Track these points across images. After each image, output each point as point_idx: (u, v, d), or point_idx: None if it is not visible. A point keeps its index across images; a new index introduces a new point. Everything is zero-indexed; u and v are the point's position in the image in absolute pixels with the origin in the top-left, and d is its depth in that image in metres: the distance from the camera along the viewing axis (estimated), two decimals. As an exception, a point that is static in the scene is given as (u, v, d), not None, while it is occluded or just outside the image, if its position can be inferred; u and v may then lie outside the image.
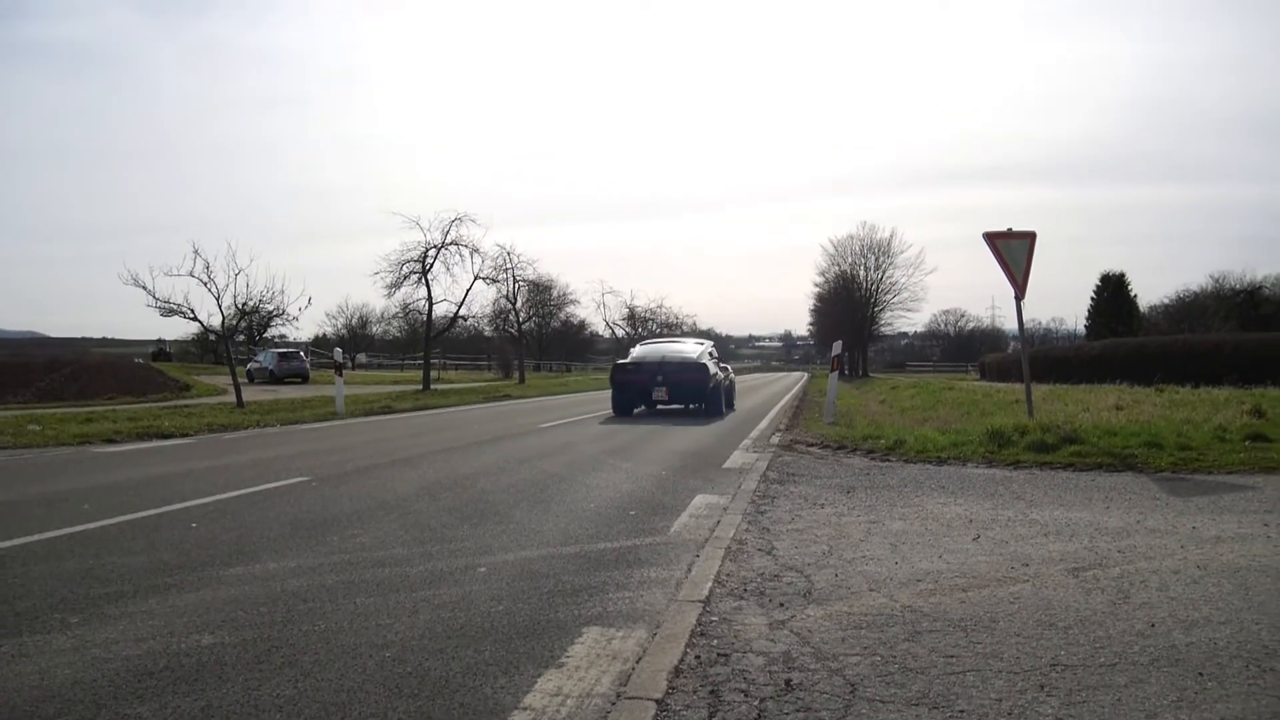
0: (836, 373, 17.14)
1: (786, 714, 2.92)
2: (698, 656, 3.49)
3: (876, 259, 65.78)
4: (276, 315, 24.08)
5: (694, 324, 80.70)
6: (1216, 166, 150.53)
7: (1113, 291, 58.05)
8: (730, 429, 15.26)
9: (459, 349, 71.05)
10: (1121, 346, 34.35)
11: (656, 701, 3.03)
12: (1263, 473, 8.04)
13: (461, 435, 14.23)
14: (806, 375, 65.82)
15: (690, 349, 19.81)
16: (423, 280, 33.68)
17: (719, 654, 3.52)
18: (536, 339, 67.94)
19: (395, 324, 70.19)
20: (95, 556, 5.32)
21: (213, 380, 34.49)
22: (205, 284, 20.35)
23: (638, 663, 3.43)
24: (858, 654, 3.46)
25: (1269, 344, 27.20)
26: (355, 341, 74.60)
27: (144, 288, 19.69)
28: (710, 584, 4.56)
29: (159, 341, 59.47)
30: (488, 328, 61.10)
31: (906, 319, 71.20)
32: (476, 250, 34.47)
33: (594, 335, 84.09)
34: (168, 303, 20.15)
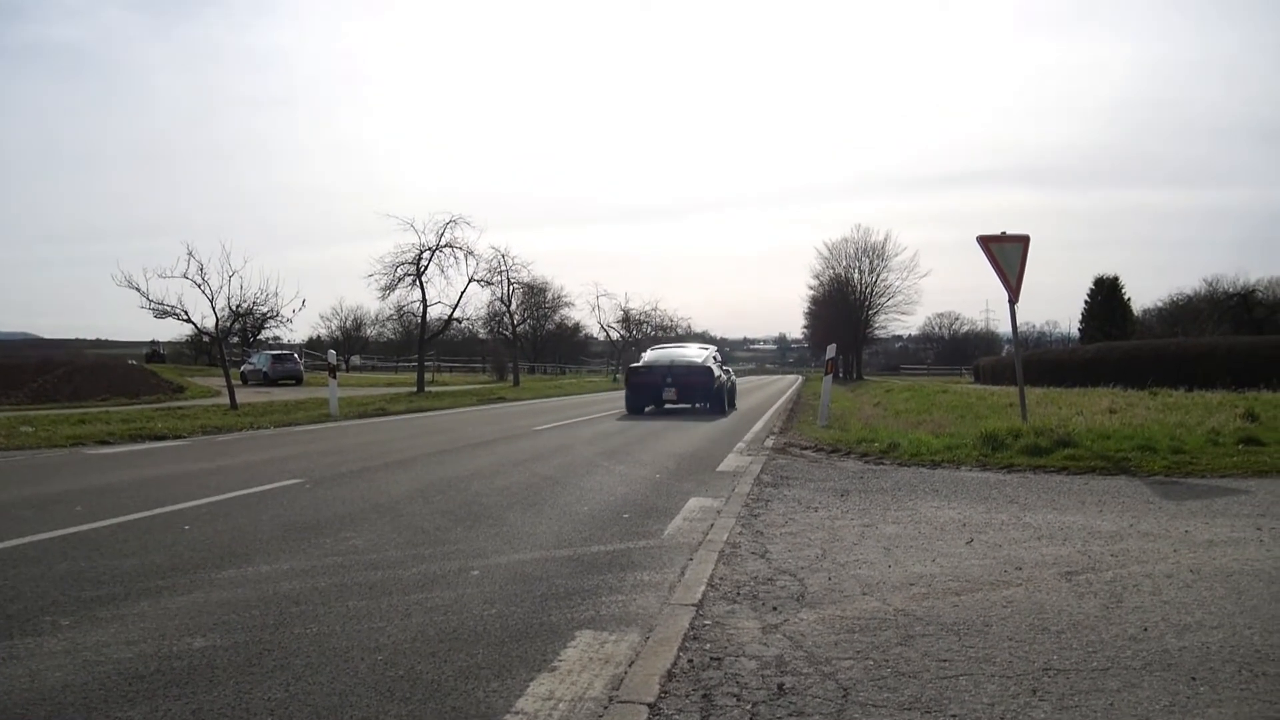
0: (831, 375, 17.21)
1: (779, 718, 2.92)
2: (690, 660, 3.48)
3: (871, 262, 65.96)
4: (271, 317, 24.30)
5: (689, 327, 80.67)
6: (1210, 170, 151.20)
7: (1106, 295, 58.18)
8: (725, 431, 15.26)
9: (453, 351, 70.98)
10: (1115, 350, 34.43)
11: (649, 705, 3.03)
12: (1255, 476, 8.06)
13: (455, 438, 14.21)
14: (801, 378, 65.90)
15: (696, 354, 21.62)
16: (417, 282, 33.71)
17: (712, 658, 3.51)
18: (531, 342, 68.01)
19: (389, 326, 70.28)
20: (87, 559, 5.30)
21: (206, 382, 34.40)
22: (199, 286, 20.39)
23: (630, 666, 3.42)
24: (850, 658, 3.46)
25: (1262, 347, 27.31)
26: (349, 344, 74.50)
27: (138, 289, 19.73)
28: (703, 587, 4.55)
29: (153, 343, 59.33)
30: (482, 330, 61.05)
31: (901, 322, 71.48)
32: (471, 252, 34.58)
33: (588, 338, 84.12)
34: (161, 304, 20.19)
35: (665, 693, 3.14)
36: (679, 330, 76.14)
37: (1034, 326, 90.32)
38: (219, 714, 3.00)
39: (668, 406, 20.22)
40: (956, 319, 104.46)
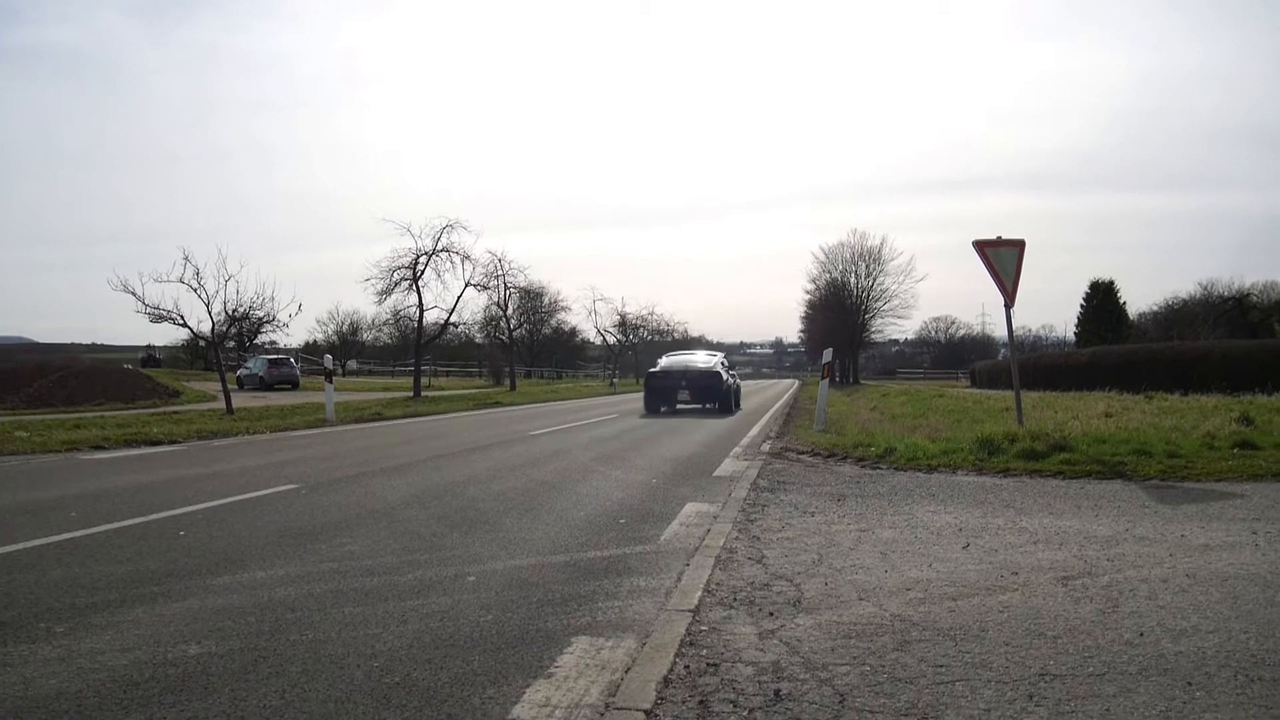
0: (827, 380, 17.24)
1: (776, 724, 2.91)
2: (687, 666, 3.48)
3: (867, 266, 65.88)
4: (267, 322, 24.15)
5: (685, 331, 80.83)
6: (1207, 174, 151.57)
7: (1102, 299, 58.32)
8: (722, 435, 15.26)
9: (450, 356, 70.95)
10: (1111, 354, 34.49)
11: (645, 712, 3.02)
12: (1251, 480, 8.07)
13: (452, 442, 14.20)
14: (798, 383, 65.93)
15: (707, 360, 24.36)
16: (413, 287, 33.73)
17: (708, 664, 3.51)
18: (527, 346, 67.92)
19: (386, 331, 70.11)
20: (81, 565, 5.29)
21: (202, 387, 34.34)
22: (195, 290, 20.35)
23: (627, 673, 3.42)
24: (847, 664, 3.46)
25: (1257, 351, 27.36)
26: (346, 348, 74.41)
27: (133, 294, 19.72)
28: (700, 593, 4.55)
29: (148, 348, 59.30)
30: (479, 334, 61.17)
31: (897, 326, 71.46)
32: (467, 257, 34.61)
33: (585, 342, 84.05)
34: (157, 309, 20.17)
35: (662, 699, 3.14)
36: (675, 334, 76.28)
37: (1030, 330, 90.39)
38: (214, 721, 2.99)
39: (680, 407, 22.24)
40: (953, 323, 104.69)
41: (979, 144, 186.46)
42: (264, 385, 39.17)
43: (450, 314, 36.20)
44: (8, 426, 15.82)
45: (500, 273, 39.92)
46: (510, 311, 46.10)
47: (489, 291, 40.24)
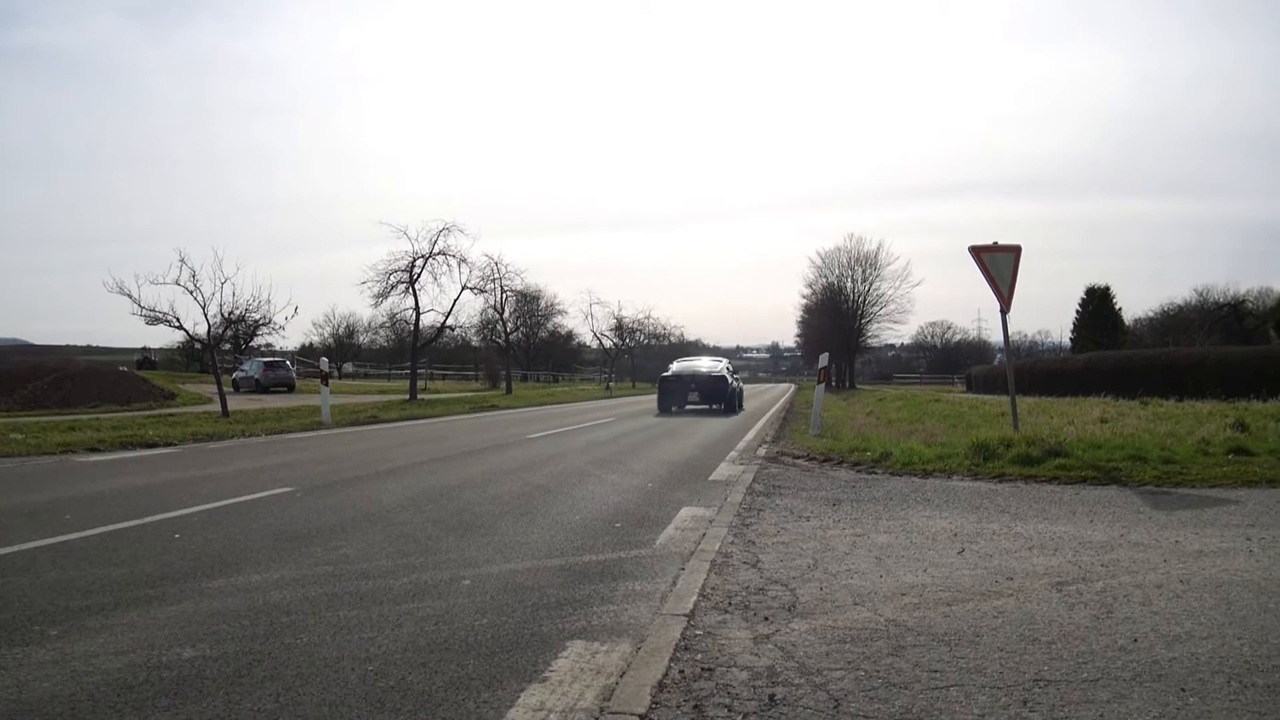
0: (823, 384, 17.24)
1: (770, 729, 2.92)
2: (682, 671, 3.48)
3: (864, 271, 65.93)
4: (263, 324, 24.10)
5: (681, 335, 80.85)
6: (1203, 181, 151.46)
7: (1098, 304, 58.45)
8: (718, 439, 15.26)
9: (446, 359, 70.91)
10: (1106, 359, 34.55)
11: (640, 716, 3.02)
12: (1245, 486, 8.10)
13: (447, 446, 14.19)
14: (794, 387, 65.92)
15: (714, 365, 27.25)
16: (410, 290, 33.67)
17: (703, 668, 3.51)
18: (524, 349, 67.79)
19: (382, 334, 70.10)
20: (76, 568, 5.28)
21: (198, 389, 34.29)
22: (191, 292, 20.32)
23: (621, 677, 3.42)
24: (842, 668, 3.46)
25: (1252, 358, 27.44)
26: (342, 351, 74.35)
27: (129, 296, 19.67)
28: (695, 597, 4.55)
29: (144, 350, 59.18)
30: (475, 338, 61.07)
31: (893, 331, 71.37)
32: (464, 260, 34.55)
33: (581, 345, 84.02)
34: (153, 311, 20.12)
35: (656, 703, 3.14)
36: (672, 339, 76.30)
37: (1026, 336, 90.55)
38: (208, 725, 2.99)
39: (689, 407, 24.89)
40: (949, 328, 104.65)
41: (976, 149, 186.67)
42: (260, 388, 39.10)
43: (447, 317, 36.18)
44: (2, 429, 15.78)
45: (497, 276, 39.95)
46: (507, 315, 46.12)
47: (485, 295, 40.28)
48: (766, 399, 40.05)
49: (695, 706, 3.12)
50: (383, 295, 33.90)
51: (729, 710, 3.08)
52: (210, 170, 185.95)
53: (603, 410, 27.30)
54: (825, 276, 68.30)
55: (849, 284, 66.70)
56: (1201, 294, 58.76)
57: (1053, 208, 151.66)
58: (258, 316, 22.83)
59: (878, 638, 3.85)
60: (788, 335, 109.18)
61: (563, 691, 3.29)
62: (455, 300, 35.88)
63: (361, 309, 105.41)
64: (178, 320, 20.61)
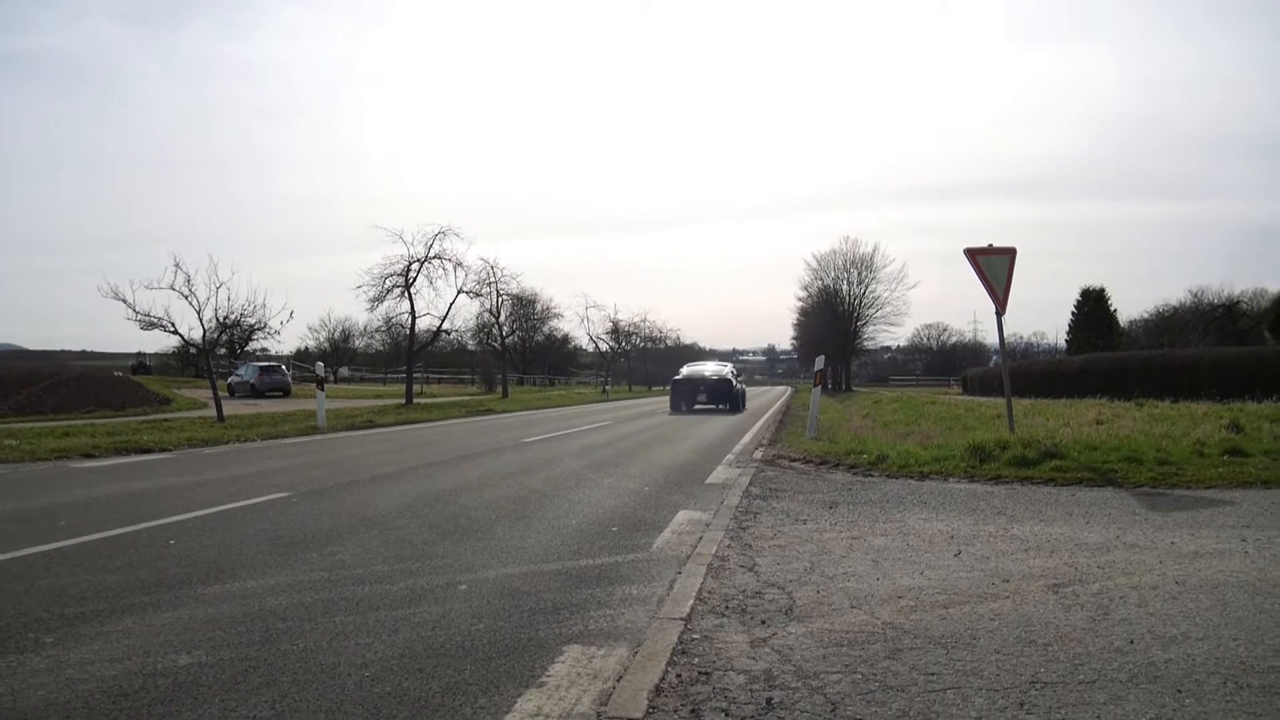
0: (819, 387, 17.28)
1: (767, 733, 2.91)
2: (679, 675, 3.48)
3: (859, 273, 65.96)
4: (258, 329, 24.00)
5: (678, 338, 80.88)
6: (1199, 183, 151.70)
7: (1093, 306, 58.58)
8: (715, 442, 15.26)
9: (442, 363, 70.81)
10: (1102, 361, 34.61)
11: (637, 721, 3.02)
12: (1240, 487, 8.11)
13: (444, 450, 14.17)
14: (790, 389, 65.95)
15: (719, 369, 30.96)
16: (406, 294, 33.62)
17: (700, 672, 3.51)
18: (520, 353, 67.76)
19: (378, 338, 69.86)
20: (71, 574, 5.26)
21: (193, 394, 34.23)
22: (186, 297, 20.25)
23: (618, 681, 3.41)
24: (839, 672, 3.46)
25: (1247, 359, 27.50)
26: (337, 355, 74.22)
27: (124, 301, 19.59)
28: (692, 601, 4.55)
29: (139, 355, 59.03)
30: (471, 342, 61.05)
31: (889, 333, 71.37)
32: (460, 264, 34.48)
33: (577, 349, 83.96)
34: (148, 316, 20.04)
35: (653, 708, 3.14)
36: (668, 341, 76.30)
37: (1021, 338, 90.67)
38: (204, 732, 2.98)
39: (698, 407, 28.07)
40: (945, 330, 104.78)
41: (972, 151, 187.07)
42: (255, 392, 39.01)
43: (442, 321, 36.07)
44: (-3, 434, 15.73)
45: (493, 279, 39.93)
46: (503, 319, 46.10)
47: (481, 298, 40.24)
48: (763, 401, 40.09)
49: (692, 711, 3.12)
50: (378, 299, 33.84)
51: (726, 714, 3.08)
52: (210, 172, 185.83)
53: (599, 414, 27.28)
54: (821, 279, 68.36)
55: (845, 286, 66.77)
56: (1197, 295, 58.92)
57: (1049, 209, 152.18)
58: (253, 321, 22.80)
59: (874, 640, 3.85)
60: (784, 338, 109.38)
61: (560, 696, 3.28)
62: (451, 304, 35.89)
63: (357, 313, 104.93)
64: (173, 325, 20.55)
